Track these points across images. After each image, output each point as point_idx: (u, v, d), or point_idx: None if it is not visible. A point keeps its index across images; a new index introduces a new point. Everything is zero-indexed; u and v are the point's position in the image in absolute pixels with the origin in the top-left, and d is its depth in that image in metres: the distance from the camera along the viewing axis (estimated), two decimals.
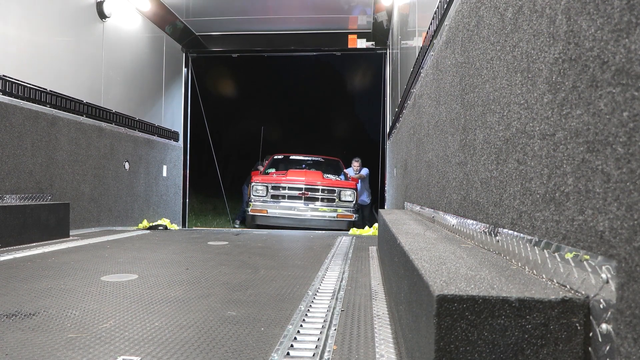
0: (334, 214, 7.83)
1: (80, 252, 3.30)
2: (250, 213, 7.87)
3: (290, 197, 7.92)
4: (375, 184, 9.58)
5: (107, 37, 5.76)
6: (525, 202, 1.11)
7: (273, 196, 7.91)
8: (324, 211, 7.84)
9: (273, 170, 9.33)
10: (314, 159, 10.24)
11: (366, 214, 9.74)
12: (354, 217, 7.89)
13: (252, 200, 7.93)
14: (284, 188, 7.96)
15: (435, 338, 0.77)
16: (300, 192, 7.91)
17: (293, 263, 2.95)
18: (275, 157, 10.32)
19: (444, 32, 2.27)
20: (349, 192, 8.05)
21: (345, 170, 9.81)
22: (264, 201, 7.90)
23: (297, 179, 8.16)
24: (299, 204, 7.86)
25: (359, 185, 9.42)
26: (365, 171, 9.81)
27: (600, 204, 0.75)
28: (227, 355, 1.33)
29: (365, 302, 1.99)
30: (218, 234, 5.06)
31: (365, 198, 9.72)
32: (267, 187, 7.96)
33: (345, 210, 7.88)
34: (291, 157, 10.21)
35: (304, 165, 9.51)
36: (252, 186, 8.02)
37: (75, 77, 5.16)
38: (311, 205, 7.88)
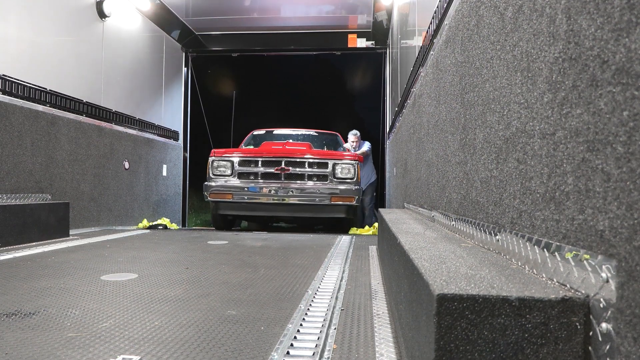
0: (327, 197, 5.61)
1: (80, 251, 3.30)
2: (209, 199, 5.67)
3: (265, 176, 5.68)
4: (376, 184, 8.20)
5: (107, 37, 5.76)
6: (525, 202, 1.11)
7: (241, 175, 5.69)
8: (313, 193, 5.62)
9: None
10: (305, 133, 7.85)
11: (366, 204, 7.80)
12: (354, 200, 5.65)
13: (212, 181, 5.71)
14: (255, 163, 5.71)
15: (435, 337, 0.77)
16: (279, 167, 5.67)
17: (293, 262, 2.95)
18: (255, 132, 7.79)
19: (444, 31, 2.27)
20: (347, 165, 5.76)
21: (346, 145, 7.78)
22: (227, 182, 5.68)
23: (275, 148, 6.06)
24: (277, 184, 5.65)
25: (366, 170, 7.64)
26: (367, 146, 7.87)
27: (600, 203, 0.75)
28: (227, 355, 1.33)
29: (365, 301, 1.99)
30: (218, 233, 5.06)
31: (369, 178, 7.82)
32: (232, 162, 5.72)
33: (343, 192, 5.64)
34: (275, 132, 7.78)
35: (290, 141, 7.29)
36: (212, 162, 5.78)
37: (75, 77, 5.16)
38: (294, 186, 5.64)
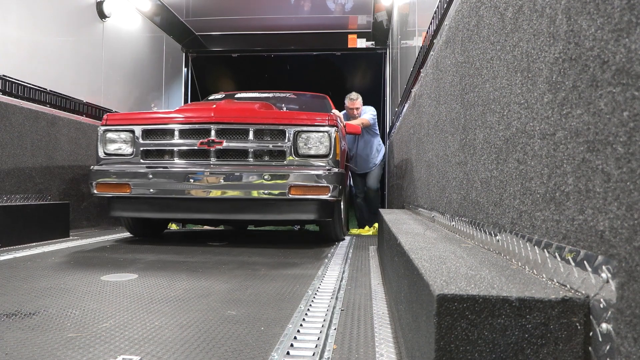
0: (283, 187, 3.37)
1: (80, 251, 3.30)
2: (95, 192, 3.55)
3: (185, 154, 3.55)
4: (384, 166, 6.54)
5: (107, 37, 5.76)
6: (525, 202, 1.11)
7: (147, 153, 3.60)
8: (260, 183, 3.39)
9: None
10: (280, 95, 5.67)
11: (372, 196, 6.18)
12: (329, 192, 3.38)
13: (102, 166, 3.61)
14: (170, 134, 3.57)
15: (435, 337, 0.77)
16: (205, 140, 3.49)
17: (293, 262, 2.95)
18: (212, 97, 5.72)
19: (444, 31, 2.27)
20: (316, 134, 3.53)
21: (335, 111, 5.25)
22: (124, 167, 3.59)
23: (200, 108, 3.88)
24: (204, 167, 3.47)
25: (371, 144, 5.94)
26: (370, 113, 5.84)
27: (600, 203, 0.75)
28: (227, 355, 1.33)
29: (365, 301, 1.99)
30: (218, 233, 5.06)
31: (375, 158, 5.99)
32: (132, 133, 3.61)
33: (309, 178, 3.39)
34: (239, 96, 5.59)
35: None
36: (102, 134, 3.65)
37: (75, 77, 5.16)
38: (229, 170, 3.44)
